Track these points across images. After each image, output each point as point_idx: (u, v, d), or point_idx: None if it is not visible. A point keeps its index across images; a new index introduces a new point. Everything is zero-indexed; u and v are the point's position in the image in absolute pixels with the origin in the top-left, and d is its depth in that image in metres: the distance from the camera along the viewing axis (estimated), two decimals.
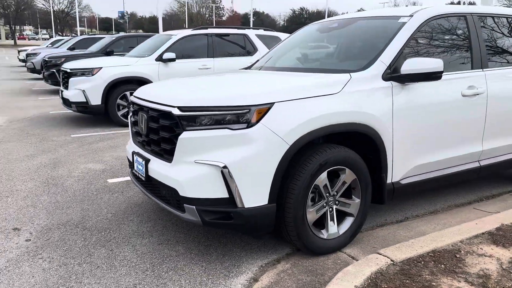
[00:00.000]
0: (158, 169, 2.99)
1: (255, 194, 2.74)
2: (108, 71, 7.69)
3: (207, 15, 73.10)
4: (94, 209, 3.97)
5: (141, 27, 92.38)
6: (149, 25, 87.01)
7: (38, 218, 3.76)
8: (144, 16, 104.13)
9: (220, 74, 4.19)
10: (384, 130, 3.14)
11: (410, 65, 3.17)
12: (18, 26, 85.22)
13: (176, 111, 2.81)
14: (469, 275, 2.62)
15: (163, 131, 2.96)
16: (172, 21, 77.36)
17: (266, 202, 2.77)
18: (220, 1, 77.41)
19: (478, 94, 3.67)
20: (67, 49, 17.51)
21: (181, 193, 2.78)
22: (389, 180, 3.30)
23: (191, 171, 2.76)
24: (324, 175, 2.95)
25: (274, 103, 2.77)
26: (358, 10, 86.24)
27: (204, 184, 2.73)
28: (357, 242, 3.25)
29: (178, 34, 8.54)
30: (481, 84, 3.70)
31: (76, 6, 47.91)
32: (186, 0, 70.75)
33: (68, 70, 7.90)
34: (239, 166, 2.68)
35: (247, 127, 2.71)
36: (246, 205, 2.72)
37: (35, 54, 17.41)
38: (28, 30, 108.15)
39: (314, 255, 3.05)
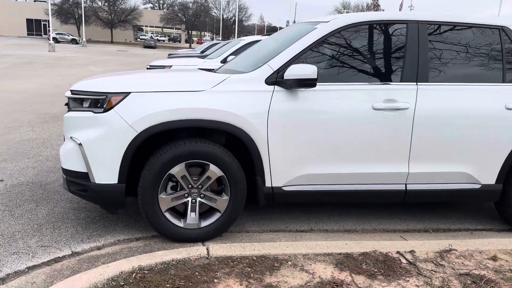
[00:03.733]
0: None
1: (105, 172, 3.10)
2: (176, 68, 8.65)
3: None
4: None
5: None
6: None
7: (24, 176, 4.68)
8: None
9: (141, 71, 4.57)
10: (255, 133, 3.16)
11: (291, 71, 3.14)
12: (199, 32, 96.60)
13: (68, 93, 3.34)
14: (259, 283, 2.55)
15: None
16: None
17: (116, 182, 3.10)
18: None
19: (399, 109, 3.34)
20: (200, 52, 19.66)
21: (61, 164, 3.30)
22: (268, 184, 3.29)
23: (66, 146, 3.25)
24: (180, 166, 3.13)
25: (130, 93, 3.09)
26: None
27: (71, 157, 3.19)
28: (229, 239, 3.33)
29: (246, 39, 9.07)
30: (406, 99, 3.36)
31: (236, 15, 53.15)
32: (346, 11, 71.25)
33: (148, 67, 9.12)
34: (91, 145, 3.08)
35: (103, 112, 3.09)
36: (97, 181, 3.10)
37: (173, 55, 19.90)
38: (207, 35, 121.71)
39: (170, 240, 3.25)
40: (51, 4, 42.63)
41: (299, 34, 3.50)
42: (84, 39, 53.62)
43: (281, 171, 3.29)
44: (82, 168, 3.15)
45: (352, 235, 3.55)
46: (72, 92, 3.30)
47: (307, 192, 3.36)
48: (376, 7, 75.73)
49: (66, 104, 3.41)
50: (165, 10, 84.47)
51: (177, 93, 3.13)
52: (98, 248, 3.16)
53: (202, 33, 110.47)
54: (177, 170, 3.14)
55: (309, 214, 3.95)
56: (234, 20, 68.80)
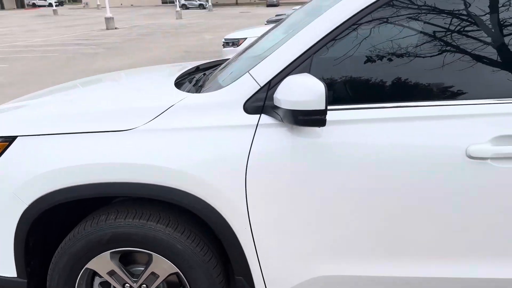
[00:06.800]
0: None
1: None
2: (250, 41, 7.28)
3: None
4: None
5: None
6: None
7: None
8: None
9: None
10: (225, 205, 1.71)
11: (280, 92, 1.57)
12: None
13: None
14: None
15: None
16: None
17: (15, 275, 1.96)
18: None
19: None
20: None
21: None
22: None
23: None
24: (102, 258, 1.85)
25: (16, 137, 1.86)
26: None
27: None
28: None
29: None
30: None
31: None
32: None
33: (224, 40, 7.87)
34: None
35: None
36: None
37: (271, 20, 18.24)
38: None
39: None
40: None
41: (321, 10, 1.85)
42: (210, 3, 54.41)
43: (280, 269, 1.79)
44: None
45: None
46: None
47: None
48: None
49: None
50: None
51: (88, 135, 1.80)
52: None
53: None
54: (99, 264, 1.86)
55: None
56: None
